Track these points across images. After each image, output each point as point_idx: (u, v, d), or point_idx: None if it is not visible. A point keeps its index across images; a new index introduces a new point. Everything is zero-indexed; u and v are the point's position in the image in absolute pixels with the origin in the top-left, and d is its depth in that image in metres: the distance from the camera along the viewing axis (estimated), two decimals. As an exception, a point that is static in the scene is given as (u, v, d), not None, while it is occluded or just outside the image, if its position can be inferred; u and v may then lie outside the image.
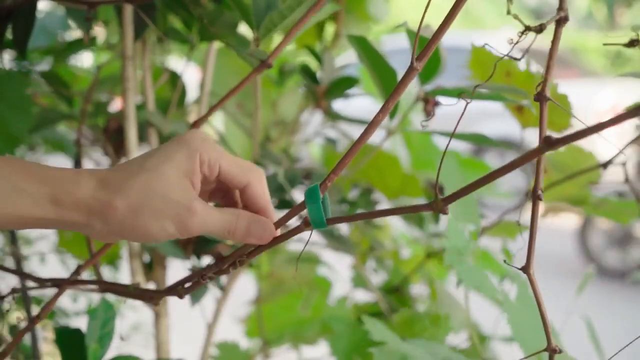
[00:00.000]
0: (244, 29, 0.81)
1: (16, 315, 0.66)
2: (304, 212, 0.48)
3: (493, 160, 5.26)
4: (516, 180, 4.57)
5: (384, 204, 1.08)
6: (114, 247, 1.07)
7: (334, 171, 0.47)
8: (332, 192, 0.93)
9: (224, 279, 0.94)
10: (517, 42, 0.44)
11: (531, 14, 11.76)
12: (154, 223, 0.45)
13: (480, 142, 0.82)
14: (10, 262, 1.04)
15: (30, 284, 0.73)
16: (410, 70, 0.45)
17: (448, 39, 0.48)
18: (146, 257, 0.88)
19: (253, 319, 1.19)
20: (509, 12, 0.46)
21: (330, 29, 1.14)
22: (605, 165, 0.83)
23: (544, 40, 0.46)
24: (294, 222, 0.52)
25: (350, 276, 1.09)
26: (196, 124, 0.61)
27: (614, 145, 0.54)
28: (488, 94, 0.70)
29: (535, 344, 0.67)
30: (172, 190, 0.45)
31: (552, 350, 0.44)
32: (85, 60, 1.61)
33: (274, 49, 0.58)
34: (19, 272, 0.61)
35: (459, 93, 0.45)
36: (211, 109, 0.61)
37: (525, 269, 0.45)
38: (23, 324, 0.57)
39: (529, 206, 0.45)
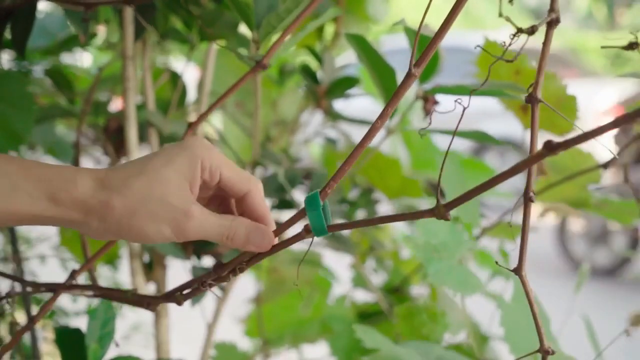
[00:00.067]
0: (244, 29, 0.81)
1: (10, 319, 0.66)
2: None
3: (493, 160, 5.26)
4: (516, 180, 4.55)
5: (384, 204, 1.08)
6: (113, 247, 1.07)
7: (334, 178, 0.47)
8: (332, 192, 0.92)
9: (224, 279, 0.94)
10: (510, 45, 0.44)
11: (531, 14, 11.75)
12: (150, 225, 0.45)
13: (482, 140, 0.81)
14: (10, 263, 1.03)
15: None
16: (408, 77, 0.45)
17: (448, 39, 0.47)
18: (146, 257, 0.88)
19: (253, 318, 1.19)
20: (500, 15, 0.46)
21: (330, 29, 1.14)
22: (605, 165, 0.83)
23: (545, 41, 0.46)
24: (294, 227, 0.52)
25: (350, 276, 1.09)
26: (193, 125, 0.61)
27: (609, 150, 0.54)
28: (491, 90, 0.69)
29: (530, 344, 0.67)
30: (171, 194, 0.45)
31: (544, 352, 0.44)
32: (85, 60, 1.61)
33: (268, 50, 0.57)
34: (15, 277, 0.61)
35: (461, 91, 0.45)
36: (209, 109, 0.61)
37: (517, 270, 0.44)
38: (20, 326, 0.57)
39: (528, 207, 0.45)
